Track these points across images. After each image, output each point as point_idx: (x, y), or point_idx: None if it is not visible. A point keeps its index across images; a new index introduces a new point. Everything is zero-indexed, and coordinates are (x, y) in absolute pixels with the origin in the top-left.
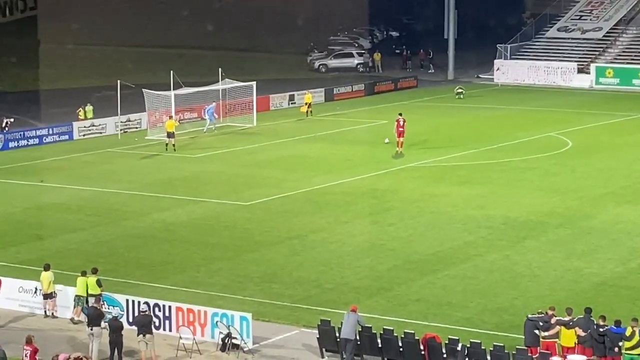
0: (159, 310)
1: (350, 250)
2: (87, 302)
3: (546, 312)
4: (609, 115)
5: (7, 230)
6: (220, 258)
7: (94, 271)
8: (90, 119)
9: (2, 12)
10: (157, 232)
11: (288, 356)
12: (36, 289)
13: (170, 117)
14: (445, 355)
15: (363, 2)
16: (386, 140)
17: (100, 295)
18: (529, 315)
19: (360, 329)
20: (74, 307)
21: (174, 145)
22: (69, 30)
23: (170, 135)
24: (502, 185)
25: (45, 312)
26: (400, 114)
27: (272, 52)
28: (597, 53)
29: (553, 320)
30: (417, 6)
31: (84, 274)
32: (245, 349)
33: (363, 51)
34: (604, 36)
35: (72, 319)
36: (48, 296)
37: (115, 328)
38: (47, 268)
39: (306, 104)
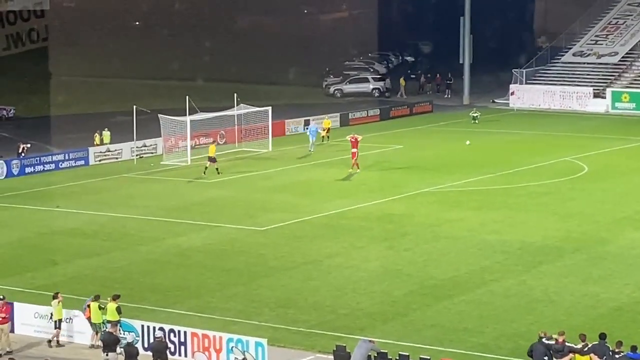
0: (174, 336)
1: (366, 275)
2: (102, 326)
3: (545, 333)
4: (625, 140)
5: (22, 255)
6: (235, 283)
7: (115, 297)
8: (107, 144)
9: (15, 43)
10: (172, 258)
11: None
12: (51, 314)
13: (214, 142)
14: None
15: (378, 28)
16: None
17: (118, 321)
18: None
19: (375, 354)
20: (94, 333)
21: (217, 168)
22: (82, 62)
23: (211, 159)
24: (518, 210)
25: (57, 340)
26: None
27: (288, 77)
28: (612, 78)
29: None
30: (432, 31)
31: (96, 298)
32: None
33: (379, 76)
34: (619, 61)
35: (92, 345)
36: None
37: (131, 354)
38: (55, 296)
39: (324, 129)
